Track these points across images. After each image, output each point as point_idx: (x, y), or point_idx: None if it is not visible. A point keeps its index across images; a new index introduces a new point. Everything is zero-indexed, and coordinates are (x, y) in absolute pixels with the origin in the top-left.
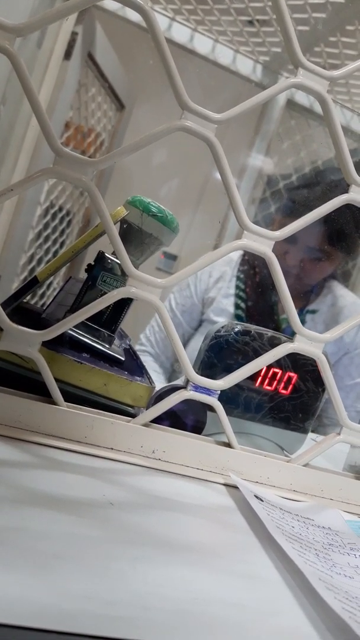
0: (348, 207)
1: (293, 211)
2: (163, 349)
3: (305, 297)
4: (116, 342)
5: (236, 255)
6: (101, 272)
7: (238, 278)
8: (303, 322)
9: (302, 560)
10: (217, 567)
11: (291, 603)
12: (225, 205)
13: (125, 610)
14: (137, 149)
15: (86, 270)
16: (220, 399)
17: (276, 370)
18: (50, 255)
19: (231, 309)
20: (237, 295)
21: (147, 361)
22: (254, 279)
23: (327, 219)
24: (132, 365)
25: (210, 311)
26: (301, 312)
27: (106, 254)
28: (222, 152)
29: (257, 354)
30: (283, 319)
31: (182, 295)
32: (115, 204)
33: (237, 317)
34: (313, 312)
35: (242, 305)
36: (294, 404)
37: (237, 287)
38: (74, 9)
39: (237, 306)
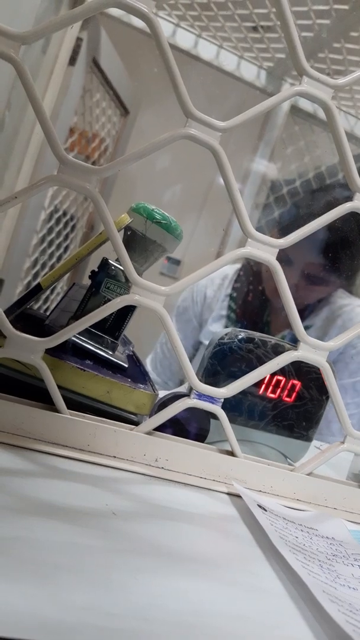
0: (349, 232)
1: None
2: (169, 373)
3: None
4: (119, 348)
5: (232, 272)
6: (105, 278)
7: (231, 297)
8: (295, 340)
9: (305, 571)
10: (220, 578)
11: (294, 615)
12: (228, 212)
13: (126, 621)
14: (141, 156)
15: (90, 277)
16: (223, 406)
17: (280, 377)
18: (54, 260)
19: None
20: (228, 317)
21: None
22: (247, 299)
23: (324, 246)
24: (136, 372)
25: (201, 335)
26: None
27: (110, 261)
28: (226, 160)
29: (260, 361)
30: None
31: (181, 320)
32: (119, 209)
33: None
34: (305, 328)
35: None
36: (298, 412)
37: (229, 307)
38: (79, 17)
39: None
